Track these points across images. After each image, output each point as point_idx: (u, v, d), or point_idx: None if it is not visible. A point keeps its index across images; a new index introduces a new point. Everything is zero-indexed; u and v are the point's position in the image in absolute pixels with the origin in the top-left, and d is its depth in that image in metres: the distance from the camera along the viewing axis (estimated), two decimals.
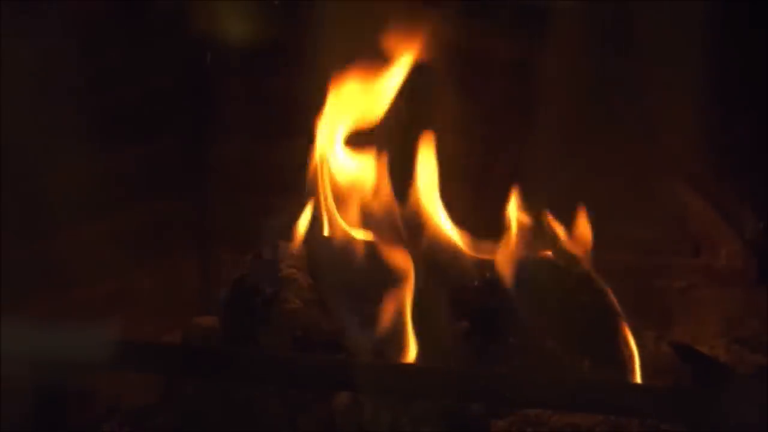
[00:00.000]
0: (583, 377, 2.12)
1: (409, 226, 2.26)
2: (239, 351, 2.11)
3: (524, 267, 2.22)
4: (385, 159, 2.31)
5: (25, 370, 2.00)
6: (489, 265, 2.22)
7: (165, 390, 2.21)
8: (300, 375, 2.00)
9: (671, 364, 2.16)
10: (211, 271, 2.48)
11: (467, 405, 2.10)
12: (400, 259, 2.19)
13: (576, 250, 2.24)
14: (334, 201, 2.30)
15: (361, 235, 2.27)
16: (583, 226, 2.25)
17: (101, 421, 2.22)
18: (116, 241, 2.43)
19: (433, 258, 2.22)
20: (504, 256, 2.23)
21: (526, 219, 2.27)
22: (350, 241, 2.26)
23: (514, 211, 2.27)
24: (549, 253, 2.25)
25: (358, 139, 2.33)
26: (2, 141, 2.20)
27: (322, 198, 2.31)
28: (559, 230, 2.25)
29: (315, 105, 2.33)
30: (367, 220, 2.29)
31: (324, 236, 2.28)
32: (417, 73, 2.39)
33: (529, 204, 2.30)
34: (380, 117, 2.32)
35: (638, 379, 2.17)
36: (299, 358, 2.07)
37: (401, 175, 2.31)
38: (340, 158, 2.31)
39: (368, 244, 2.23)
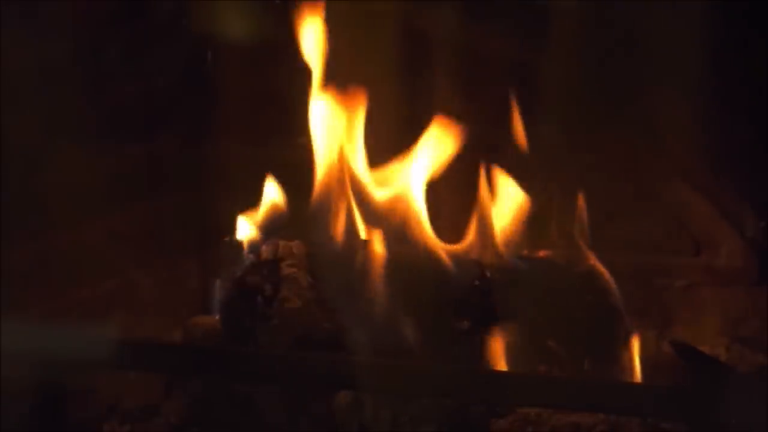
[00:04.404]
0: (583, 377, 2.12)
1: (409, 226, 2.26)
2: (239, 351, 2.11)
3: (524, 266, 2.22)
4: (384, 156, 2.32)
5: (25, 370, 2.01)
6: (489, 265, 2.22)
7: (165, 390, 2.21)
8: (300, 375, 2.00)
9: (671, 364, 2.15)
10: (211, 271, 2.48)
11: (467, 404, 2.10)
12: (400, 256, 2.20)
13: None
14: (335, 200, 2.30)
15: (362, 233, 2.27)
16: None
17: (101, 421, 2.22)
18: (116, 241, 2.43)
19: (433, 257, 2.22)
20: (504, 256, 2.24)
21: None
22: (352, 239, 2.27)
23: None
24: (549, 252, 2.25)
25: (357, 138, 2.33)
26: (2, 141, 2.20)
27: (322, 196, 2.31)
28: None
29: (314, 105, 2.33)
30: (367, 218, 2.29)
31: (325, 235, 2.28)
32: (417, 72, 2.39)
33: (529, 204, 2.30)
34: (379, 117, 2.32)
35: (638, 378, 2.17)
36: (299, 357, 2.07)
37: (400, 173, 2.31)
38: (340, 156, 2.31)
39: (369, 244, 2.23)
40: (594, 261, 2.24)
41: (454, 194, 2.34)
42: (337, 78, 2.33)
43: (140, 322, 2.40)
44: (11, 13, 2.21)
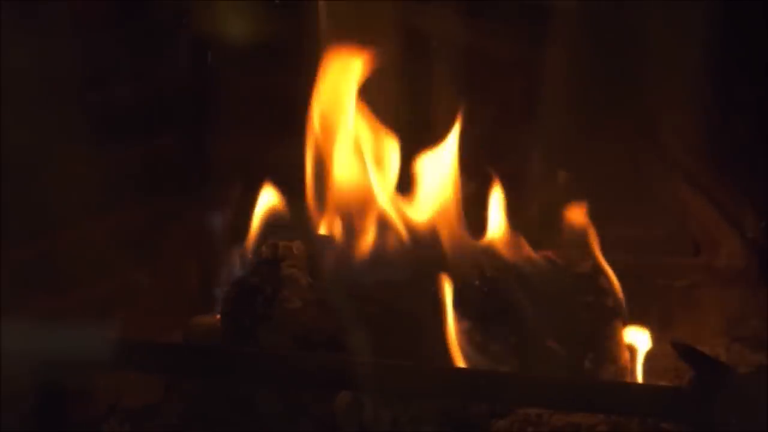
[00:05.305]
0: (583, 377, 2.12)
1: (409, 226, 2.26)
2: (239, 351, 2.11)
3: (525, 266, 2.22)
4: (384, 157, 2.32)
5: (25, 370, 2.01)
6: (489, 265, 2.22)
7: (165, 390, 2.21)
8: (300, 375, 2.00)
9: (671, 364, 2.16)
10: (211, 271, 2.48)
11: (467, 405, 2.10)
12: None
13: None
14: (335, 200, 2.31)
15: (362, 233, 2.27)
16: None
17: (101, 421, 2.22)
18: (116, 241, 2.43)
19: (433, 257, 2.22)
20: (505, 255, 2.24)
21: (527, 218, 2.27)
22: (352, 240, 2.27)
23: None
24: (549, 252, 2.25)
25: (356, 138, 2.33)
26: (2, 141, 2.20)
27: (322, 196, 2.31)
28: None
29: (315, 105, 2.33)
30: (367, 218, 2.29)
31: (325, 235, 2.28)
32: (417, 71, 2.39)
33: (529, 203, 2.30)
34: (378, 116, 2.32)
35: (638, 379, 2.17)
36: (299, 358, 2.07)
37: (401, 173, 2.32)
38: (339, 157, 2.31)
39: (369, 244, 2.24)
40: (597, 260, 2.24)
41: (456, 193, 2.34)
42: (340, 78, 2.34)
43: (140, 322, 2.40)
44: (11, 13, 2.21)
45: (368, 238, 2.25)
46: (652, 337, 2.29)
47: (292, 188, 2.36)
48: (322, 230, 2.30)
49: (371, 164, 2.32)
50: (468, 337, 2.14)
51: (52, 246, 2.33)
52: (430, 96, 2.41)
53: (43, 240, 2.32)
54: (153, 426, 2.19)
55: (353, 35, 2.34)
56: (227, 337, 2.20)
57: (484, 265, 2.21)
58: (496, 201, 2.28)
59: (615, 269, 2.24)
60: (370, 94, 2.32)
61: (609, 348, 2.18)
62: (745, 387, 1.92)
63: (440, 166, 2.30)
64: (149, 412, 2.22)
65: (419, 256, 2.22)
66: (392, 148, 2.32)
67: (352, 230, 2.29)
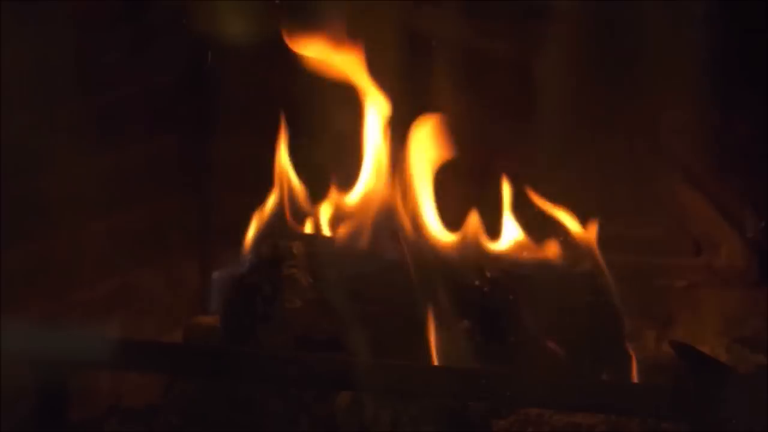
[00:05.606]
0: (583, 377, 2.12)
1: (408, 226, 2.26)
2: (239, 351, 2.11)
3: (525, 266, 2.22)
4: (382, 157, 2.32)
5: (25, 370, 2.01)
6: (489, 265, 2.22)
7: (165, 390, 2.21)
8: (300, 375, 2.00)
9: (671, 364, 2.15)
10: (211, 271, 2.48)
11: (468, 404, 2.10)
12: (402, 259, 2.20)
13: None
14: (334, 200, 2.31)
15: (362, 234, 2.27)
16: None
17: (101, 421, 2.22)
18: (116, 241, 2.43)
19: (433, 257, 2.22)
20: (505, 255, 2.24)
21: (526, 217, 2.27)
22: (352, 240, 2.27)
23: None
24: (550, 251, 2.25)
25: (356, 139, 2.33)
26: (2, 141, 2.20)
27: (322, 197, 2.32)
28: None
29: (315, 104, 2.33)
30: (366, 219, 2.29)
31: (326, 235, 2.28)
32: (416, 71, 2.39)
33: (529, 204, 2.30)
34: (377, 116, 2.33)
35: (638, 379, 2.17)
36: (299, 358, 2.07)
37: (399, 174, 2.32)
38: (337, 157, 2.31)
39: (369, 244, 2.24)
40: (595, 260, 2.24)
41: (455, 192, 2.34)
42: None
43: (140, 322, 2.40)
44: (11, 13, 2.21)
45: (368, 239, 2.25)
46: (652, 336, 2.30)
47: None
48: (323, 230, 2.30)
49: (370, 164, 2.32)
50: (468, 337, 2.14)
51: (52, 246, 2.33)
52: (430, 96, 2.41)
53: (43, 240, 2.32)
54: (153, 426, 2.19)
55: (353, 35, 2.35)
56: (227, 337, 2.20)
57: (484, 265, 2.21)
58: (497, 201, 2.28)
59: (615, 269, 2.24)
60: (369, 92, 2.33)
61: (609, 348, 2.18)
62: (745, 387, 1.92)
63: (438, 165, 2.30)
64: (149, 412, 2.22)
65: (419, 255, 2.22)
66: (390, 147, 2.32)
67: (352, 230, 2.29)
